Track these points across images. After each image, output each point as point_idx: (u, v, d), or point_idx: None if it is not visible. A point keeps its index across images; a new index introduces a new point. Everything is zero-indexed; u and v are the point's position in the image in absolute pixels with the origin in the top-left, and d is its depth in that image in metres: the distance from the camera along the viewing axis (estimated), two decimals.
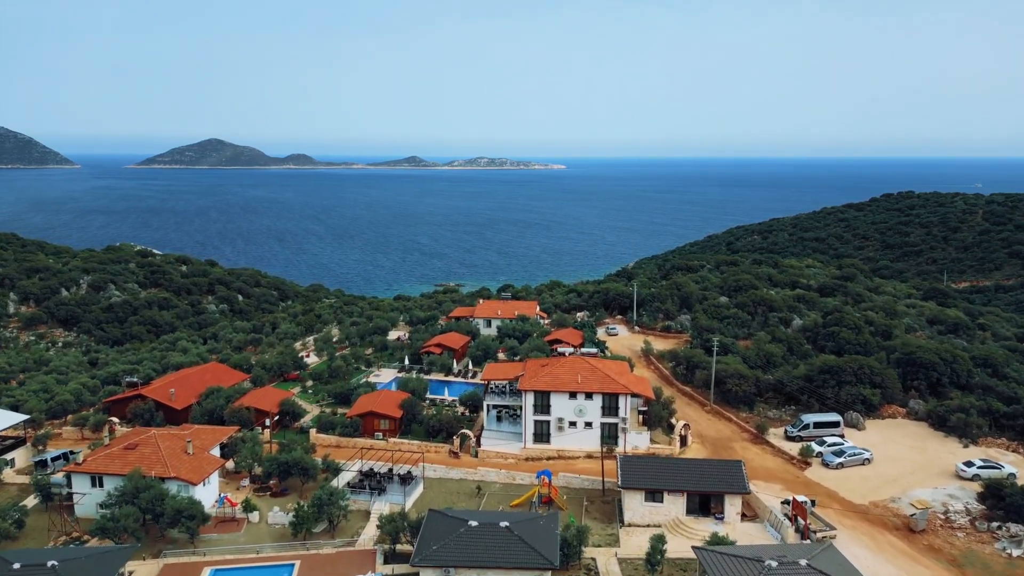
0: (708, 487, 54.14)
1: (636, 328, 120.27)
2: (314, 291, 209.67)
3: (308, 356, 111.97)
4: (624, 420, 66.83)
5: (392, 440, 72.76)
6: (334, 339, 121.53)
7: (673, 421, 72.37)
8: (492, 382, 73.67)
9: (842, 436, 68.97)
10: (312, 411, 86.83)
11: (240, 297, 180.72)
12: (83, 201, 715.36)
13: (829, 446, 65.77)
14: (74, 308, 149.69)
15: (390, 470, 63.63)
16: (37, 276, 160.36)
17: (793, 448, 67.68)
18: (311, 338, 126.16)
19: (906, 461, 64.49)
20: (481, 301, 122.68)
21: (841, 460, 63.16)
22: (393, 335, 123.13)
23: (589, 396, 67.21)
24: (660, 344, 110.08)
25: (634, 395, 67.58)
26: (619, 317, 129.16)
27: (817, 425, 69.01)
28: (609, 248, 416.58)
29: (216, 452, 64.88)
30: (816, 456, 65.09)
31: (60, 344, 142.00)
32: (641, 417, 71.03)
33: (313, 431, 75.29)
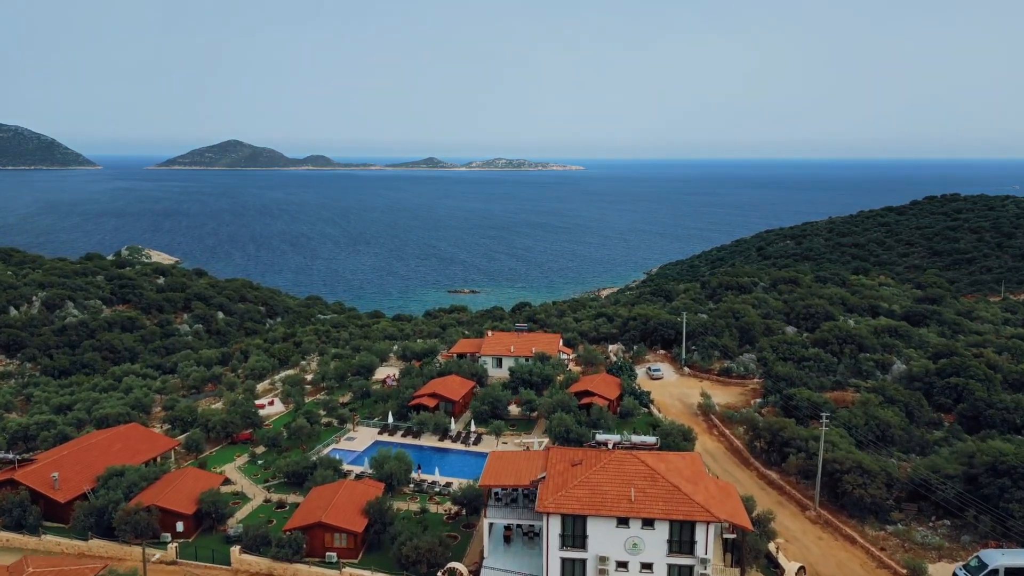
0: None
1: (686, 369, 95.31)
2: (308, 305, 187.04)
3: (272, 404, 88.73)
4: (704, 562, 42.23)
5: (348, 571, 48.90)
6: (307, 379, 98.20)
7: (774, 550, 47.52)
8: (496, 489, 49.26)
9: None
10: (256, 496, 63.54)
11: (220, 315, 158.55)
12: (99, 203, 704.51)
13: None
14: (18, 331, 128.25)
15: None
16: None
17: None
18: (281, 375, 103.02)
19: None
20: (490, 333, 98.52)
21: None
22: (381, 373, 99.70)
23: (648, 523, 42.75)
24: (720, 394, 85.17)
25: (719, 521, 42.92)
26: (662, 352, 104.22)
27: (1011, 572, 43.80)
28: (632, 252, 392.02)
29: None
30: None
31: None
32: (725, 542, 46.40)
33: (236, 551, 51.55)
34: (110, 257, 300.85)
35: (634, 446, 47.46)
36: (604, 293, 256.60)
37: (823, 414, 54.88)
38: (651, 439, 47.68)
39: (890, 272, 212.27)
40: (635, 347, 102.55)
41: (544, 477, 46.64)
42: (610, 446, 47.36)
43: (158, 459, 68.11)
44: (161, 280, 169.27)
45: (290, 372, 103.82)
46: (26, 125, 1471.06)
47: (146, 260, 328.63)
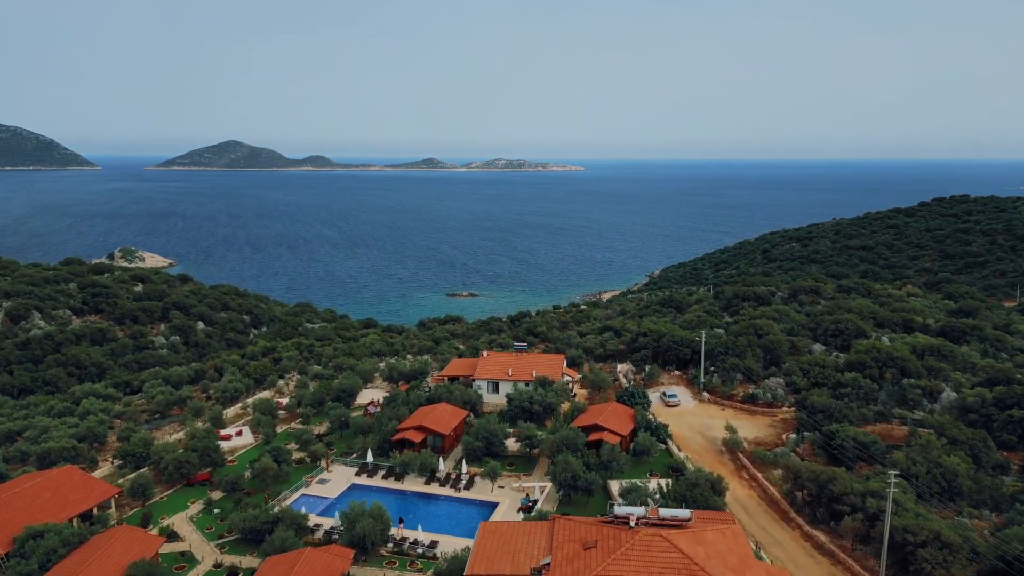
0: None
1: (705, 395, 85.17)
2: (296, 314, 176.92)
3: (239, 434, 78.82)
4: None
5: None
6: (282, 403, 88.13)
7: None
8: None
9: None
10: (205, 559, 53.48)
11: (200, 325, 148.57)
12: (95, 204, 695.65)
13: None
14: None
15: None
16: None
17: None
18: (255, 397, 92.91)
19: None
20: (486, 353, 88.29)
21: None
22: (365, 397, 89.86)
23: None
24: (747, 425, 75.04)
25: None
26: (677, 374, 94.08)
27: None
28: (634, 254, 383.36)
29: None
30: None
31: None
32: None
33: None
34: (102, 260, 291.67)
35: (663, 522, 37.39)
36: (606, 296, 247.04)
37: (891, 473, 44.61)
38: (684, 513, 37.62)
39: (900, 276, 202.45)
40: (647, 368, 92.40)
41: (548, 564, 36.63)
42: (632, 523, 37.29)
43: (95, 510, 58.20)
44: (139, 287, 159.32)
45: (264, 395, 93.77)
46: (25, 125, 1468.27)
47: (140, 262, 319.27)
